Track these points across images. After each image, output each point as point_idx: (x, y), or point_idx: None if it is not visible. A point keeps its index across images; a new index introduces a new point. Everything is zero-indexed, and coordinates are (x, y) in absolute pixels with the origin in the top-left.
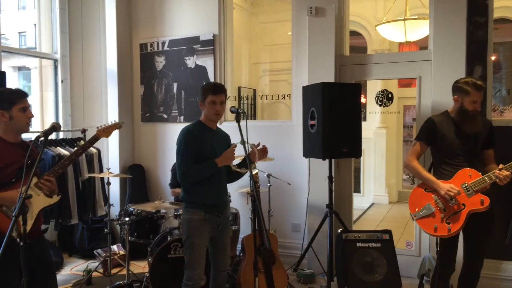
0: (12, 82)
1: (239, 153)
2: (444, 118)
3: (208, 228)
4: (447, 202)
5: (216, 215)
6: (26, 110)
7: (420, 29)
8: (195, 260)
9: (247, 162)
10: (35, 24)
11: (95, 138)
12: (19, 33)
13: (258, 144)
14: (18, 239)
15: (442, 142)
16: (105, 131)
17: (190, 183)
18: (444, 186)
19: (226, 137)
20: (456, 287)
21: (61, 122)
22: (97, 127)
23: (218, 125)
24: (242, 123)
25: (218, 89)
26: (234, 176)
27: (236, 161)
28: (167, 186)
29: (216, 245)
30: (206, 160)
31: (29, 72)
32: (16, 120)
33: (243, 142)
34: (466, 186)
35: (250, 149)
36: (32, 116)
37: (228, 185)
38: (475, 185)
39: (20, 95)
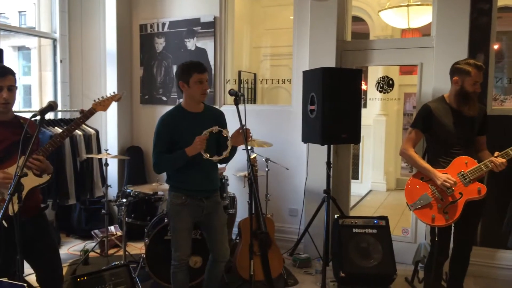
0: (12, 61)
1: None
2: (440, 104)
3: (190, 212)
4: (444, 191)
5: (199, 199)
6: (0, 90)
7: (423, 16)
8: (177, 242)
9: (245, 146)
10: (34, 3)
11: (91, 112)
12: (19, 12)
13: (241, 127)
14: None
15: (438, 129)
16: (102, 104)
17: (163, 172)
18: (441, 176)
19: (217, 116)
20: (448, 272)
21: (59, 103)
22: (94, 100)
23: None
24: (241, 106)
25: (203, 67)
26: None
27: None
28: None
29: (208, 232)
30: (184, 146)
31: (29, 52)
32: None
33: (218, 131)
34: (463, 175)
35: (228, 136)
36: (5, 97)
37: (227, 168)
38: (472, 174)
39: None
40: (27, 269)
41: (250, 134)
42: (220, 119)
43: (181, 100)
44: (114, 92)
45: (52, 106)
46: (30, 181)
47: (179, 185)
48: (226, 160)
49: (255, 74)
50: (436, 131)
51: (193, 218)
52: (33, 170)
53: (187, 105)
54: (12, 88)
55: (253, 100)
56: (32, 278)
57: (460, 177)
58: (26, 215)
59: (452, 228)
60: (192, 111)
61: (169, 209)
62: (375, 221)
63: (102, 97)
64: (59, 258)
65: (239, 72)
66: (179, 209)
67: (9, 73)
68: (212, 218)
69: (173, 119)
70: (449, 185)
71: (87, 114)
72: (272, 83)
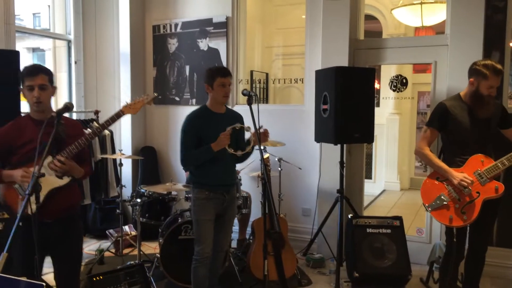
0: (27, 63)
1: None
2: (456, 102)
3: (213, 205)
4: (461, 191)
5: (221, 193)
6: (32, 89)
7: (437, 13)
8: (201, 235)
9: (258, 146)
10: (49, 6)
11: (118, 115)
12: (33, 14)
13: (260, 127)
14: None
15: (454, 127)
16: (132, 107)
17: (190, 167)
18: (458, 175)
19: (237, 118)
20: (463, 273)
21: (74, 103)
22: (126, 102)
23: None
24: (254, 106)
25: (226, 72)
26: (242, 156)
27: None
28: (179, 168)
29: (218, 222)
30: (209, 144)
31: (43, 53)
32: (27, 98)
33: (240, 127)
34: (479, 174)
35: (251, 132)
36: (35, 95)
37: (239, 168)
38: (488, 172)
39: (27, 73)
40: (47, 268)
41: (268, 135)
42: (240, 121)
43: (193, 100)
44: (147, 95)
45: (68, 107)
46: (51, 183)
47: (203, 181)
48: (244, 158)
49: (267, 74)
50: (451, 130)
51: (215, 211)
52: (55, 172)
53: (212, 106)
54: (44, 87)
55: (265, 100)
56: (49, 277)
57: (477, 176)
58: (48, 217)
59: (468, 228)
60: (216, 112)
61: (193, 204)
62: (389, 221)
63: (133, 100)
64: (78, 264)
65: (251, 72)
66: (204, 202)
67: (41, 72)
68: (227, 211)
69: (199, 118)
70: (466, 184)
71: (114, 117)
72: (284, 83)
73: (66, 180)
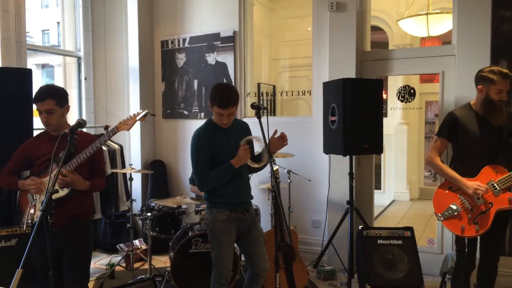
0: (36, 79)
1: (257, 149)
2: (466, 111)
3: (235, 227)
4: (474, 201)
5: (241, 213)
6: (41, 113)
7: (443, 24)
8: (223, 259)
9: (268, 157)
10: (58, 22)
11: (114, 132)
12: (42, 31)
13: (275, 132)
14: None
15: (464, 136)
16: (126, 123)
17: (210, 189)
18: (472, 184)
19: (242, 126)
20: (476, 283)
21: (84, 119)
22: (122, 119)
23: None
24: (263, 119)
25: (227, 103)
26: (254, 168)
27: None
28: (188, 182)
29: (246, 246)
30: (223, 160)
31: (52, 69)
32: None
33: (254, 138)
34: (492, 184)
35: (266, 142)
36: (43, 120)
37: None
38: (502, 183)
39: (35, 99)
40: None
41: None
42: (245, 129)
43: (202, 113)
44: (139, 112)
45: (80, 124)
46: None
47: (222, 200)
48: (258, 169)
49: (274, 86)
50: (462, 139)
51: (237, 232)
52: (58, 184)
53: (217, 121)
54: (50, 111)
55: (273, 112)
56: None
57: (490, 187)
58: (55, 225)
59: (478, 237)
60: (222, 126)
61: (212, 227)
62: (400, 232)
63: (130, 116)
64: (84, 275)
65: (258, 85)
66: (225, 225)
67: (48, 97)
68: (252, 230)
69: (209, 135)
70: (481, 192)
71: (109, 134)
72: (292, 95)
73: (63, 192)
